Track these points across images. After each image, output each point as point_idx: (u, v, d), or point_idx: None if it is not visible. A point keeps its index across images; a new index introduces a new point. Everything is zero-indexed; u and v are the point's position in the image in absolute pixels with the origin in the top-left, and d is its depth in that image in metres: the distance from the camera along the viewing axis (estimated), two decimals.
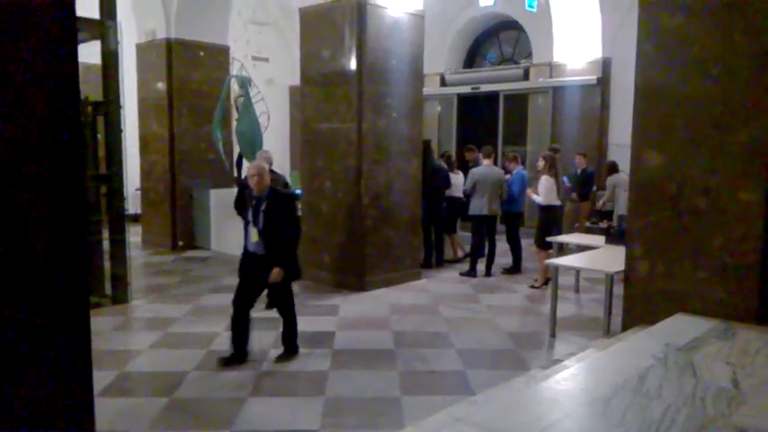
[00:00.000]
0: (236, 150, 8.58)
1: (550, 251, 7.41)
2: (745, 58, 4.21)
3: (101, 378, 4.37)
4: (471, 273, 8.26)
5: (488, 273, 8.31)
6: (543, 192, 7.55)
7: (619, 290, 5.20)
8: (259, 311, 5.36)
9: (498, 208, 8.30)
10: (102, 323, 5.91)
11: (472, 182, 8.19)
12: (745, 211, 4.26)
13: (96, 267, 6.72)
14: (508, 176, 8.58)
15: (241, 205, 5.43)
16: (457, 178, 8.99)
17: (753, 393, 2.87)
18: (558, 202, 7.78)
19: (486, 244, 8.46)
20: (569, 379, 3.23)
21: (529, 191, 8.01)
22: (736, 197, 4.30)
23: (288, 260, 4.85)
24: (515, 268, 8.50)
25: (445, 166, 8.95)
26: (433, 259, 8.88)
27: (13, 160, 1.96)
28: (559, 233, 8.07)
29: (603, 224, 7.58)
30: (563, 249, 7.76)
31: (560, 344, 5.53)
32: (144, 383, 4.65)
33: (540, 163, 7.71)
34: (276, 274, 4.74)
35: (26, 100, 1.99)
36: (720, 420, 2.55)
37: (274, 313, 5.25)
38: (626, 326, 4.85)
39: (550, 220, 7.69)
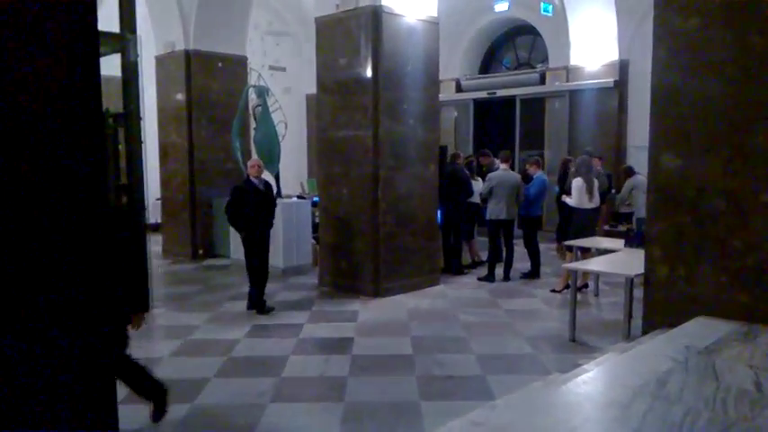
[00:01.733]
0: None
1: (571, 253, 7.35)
2: (761, 59, 4.18)
3: (123, 386, 4.43)
4: (489, 278, 8.24)
5: (507, 277, 8.28)
6: (575, 194, 7.53)
7: (639, 293, 5.17)
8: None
9: (515, 212, 8.28)
10: None
11: (489, 186, 8.18)
12: (766, 213, 4.22)
13: None
14: (532, 178, 8.55)
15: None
16: (476, 184, 8.97)
17: None
18: (590, 205, 7.70)
19: (504, 249, 8.44)
20: (589, 383, 3.22)
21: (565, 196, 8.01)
22: (757, 199, 4.26)
23: None
24: (534, 273, 8.47)
25: (467, 172, 8.91)
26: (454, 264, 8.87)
27: (40, 171, 2.02)
28: (591, 235, 7.97)
29: (622, 227, 7.53)
30: (589, 252, 7.67)
31: (579, 348, 5.50)
32: None
33: (572, 168, 7.70)
34: None
35: (52, 114, 2.05)
36: (742, 424, 2.52)
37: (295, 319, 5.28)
38: (646, 329, 4.81)
39: (582, 222, 7.62)
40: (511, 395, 3.67)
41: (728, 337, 3.69)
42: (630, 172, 8.97)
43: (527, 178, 8.75)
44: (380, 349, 5.50)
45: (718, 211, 4.32)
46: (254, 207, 6.54)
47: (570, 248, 7.40)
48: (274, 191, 8.80)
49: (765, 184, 4.31)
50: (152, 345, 5.93)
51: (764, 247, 4.08)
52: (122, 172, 7.06)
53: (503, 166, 8.35)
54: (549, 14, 11.87)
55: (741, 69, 4.28)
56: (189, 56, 9.89)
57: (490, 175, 8.39)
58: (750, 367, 3.19)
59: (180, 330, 6.10)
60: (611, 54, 11.17)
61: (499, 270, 8.31)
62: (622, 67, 11.10)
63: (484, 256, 9.07)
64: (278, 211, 8.47)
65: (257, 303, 6.68)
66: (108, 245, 5.70)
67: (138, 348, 5.62)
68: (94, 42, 2.22)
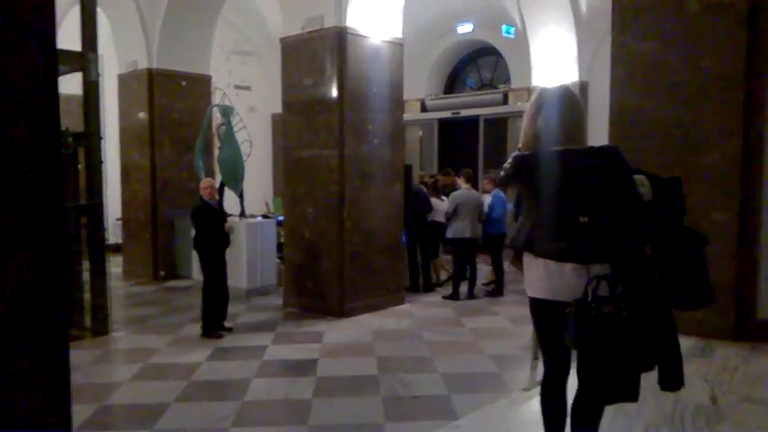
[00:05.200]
0: (219, 179, 8.59)
1: None
2: (714, 82, 4.34)
3: (80, 412, 4.30)
4: (454, 296, 8.28)
5: (471, 295, 8.34)
6: None
7: None
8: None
9: (479, 231, 8.36)
10: (81, 356, 5.82)
11: (454, 204, 8.26)
12: (720, 231, 4.35)
13: (76, 299, 6.64)
14: (487, 197, 8.65)
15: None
16: (440, 204, 9.04)
17: (731, 410, 2.90)
18: None
19: (468, 267, 8.51)
20: None
21: None
22: (711, 217, 4.39)
23: None
24: (498, 291, 8.54)
25: (425, 190, 9.01)
26: (420, 283, 8.90)
27: None
28: None
29: None
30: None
31: (543, 366, 5.53)
32: (124, 416, 4.58)
33: None
34: None
35: (5, 132, 2.00)
36: None
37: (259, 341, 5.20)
38: None
39: None
40: (474, 414, 3.69)
41: (686, 352, 3.77)
42: None
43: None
44: (346, 370, 5.45)
45: None
46: (214, 228, 6.48)
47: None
48: (238, 211, 8.77)
49: (718, 202, 4.46)
50: (111, 369, 5.78)
51: (719, 264, 4.20)
52: (82, 192, 6.95)
53: (465, 185, 8.43)
54: (511, 36, 12.12)
55: (695, 92, 4.44)
56: (152, 74, 9.78)
57: (454, 194, 8.47)
58: (706, 381, 3.27)
59: (140, 354, 5.96)
60: (572, 75, 11.43)
61: (464, 288, 8.36)
62: (582, 88, 11.36)
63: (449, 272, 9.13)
64: (242, 230, 8.42)
65: (208, 325, 6.54)
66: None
67: (97, 373, 5.49)
68: (53, 60, 2.18)
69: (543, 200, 2.43)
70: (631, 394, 2.35)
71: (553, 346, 2.56)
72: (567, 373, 2.60)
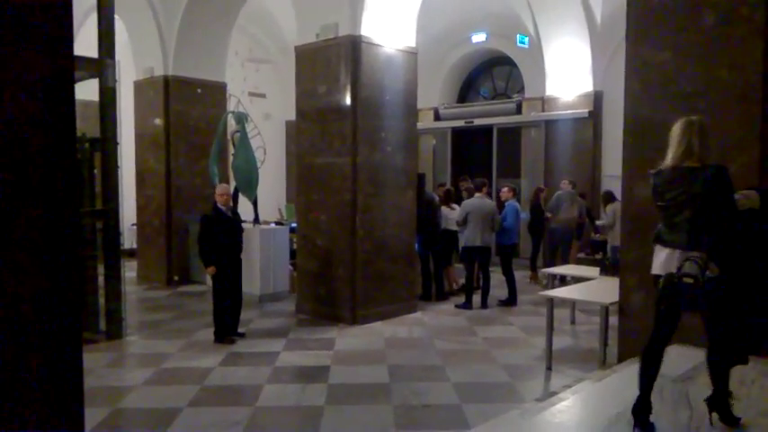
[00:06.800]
0: (233, 185, 8.64)
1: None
2: (730, 92, 4.31)
3: (93, 415, 4.33)
4: (467, 305, 8.25)
5: (484, 305, 8.30)
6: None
7: (615, 321, 5.21)
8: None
9: (491, 240, 8.33)
10: (95, 359, 5.86)
11: (464, 213, 8.24)
12: None
13: (91, 303, 6.70)
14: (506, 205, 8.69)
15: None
16: (452, 213, 9.02)
17: (749, 424, 2.86)
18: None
19: (481, 276, 8.48)
20: (564, 411, 3.23)
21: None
22: None
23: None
24: (511, 300, 8.50)
25: (437, 198, 9.00)
26: (433, 291, 8.88)
27: (8, 198, 1.99)
28: None
29: (598, 256, 7.61)
30: (564, 281, 7.73)
31: (556, 376, 5.50)
32: (137, 420, 4.60)
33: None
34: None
35: (22, 138, 2.03)
36: None
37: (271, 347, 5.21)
38: (621, 357, 4.85)
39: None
40: (486, 424, 3.66)
41: (702, 364, 3.73)
42: (611, 198, 8.96)
43: (502, 205, 8.88)
44: (357, 378, 5.45)
45: None
46: (226, 235, 6.51)
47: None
48: (252, 217, 8.80)
49: None
50: (124, 373, 5.82)
51: None
52: (98, 196, 7.02)
53: (477, 194, 8.41)
54: (526, 46, 12.12)
55: (711, 103, 4.40)
56: (168, 81, 9.88)
57: (465, 202, 8.46)
58: None
59: (153, 358, 5.99)
60: (586, 85, 11.41)
61: (477, 297, 8.32)
62: (597, 98, 11.33)
63: (459, 283, 9.10)
64: (256, 237, 8.47)
65: (221, 330, 6.56)
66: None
67: (110, 377, 5.53)
68: (70, 67, 2.21)
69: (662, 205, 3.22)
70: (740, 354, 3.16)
71: (661, 315, 3.13)
72: (666, 343, 3.16)
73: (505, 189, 9.23)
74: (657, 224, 3.28)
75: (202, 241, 6.48)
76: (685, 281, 2.93)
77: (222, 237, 6.48)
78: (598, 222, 9.68)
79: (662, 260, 3.18)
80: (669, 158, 3.20)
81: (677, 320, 3.13)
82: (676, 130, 3.22)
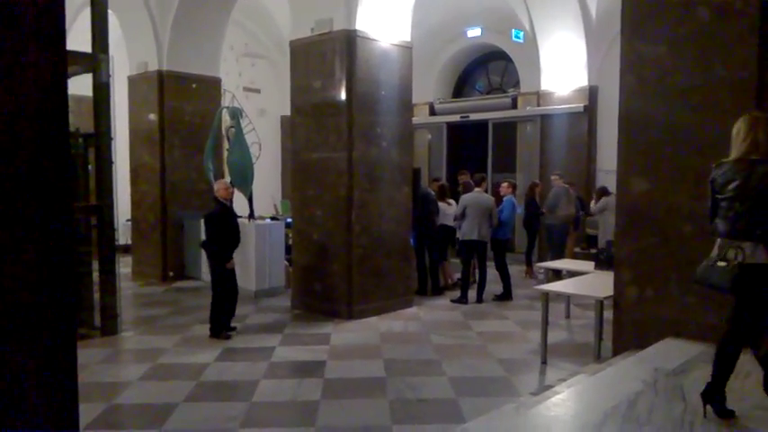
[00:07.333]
0: (228, 180, 8.62)
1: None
2: (725, 88, 4.31)
3: (88, 411, 4.32)
4: (462, 300, 8.26)
5: (479, 299, 8.31)
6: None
7: (609, 315, 5.23)
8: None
9: (488, 234, 8.34)
10: (90, 355, 5.85)
11: (462, 207, 8.25)
12: None
13: (86, 299, 6.68)
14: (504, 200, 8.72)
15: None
16: (449, 208, 9.03)
17: (743, 417, 2.88)
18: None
19: (477, 270, 8.49)
20: (560, 405, 3.24)
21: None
22: None
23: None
24: (506, 295, 8.51)
25: (433, 193, 9.00)
26: (429, 286, 8.89)
27: (0, 193, 1.98)
28: None
29: (594, 250, 7.63)
30: (559, 275, 7.74)
31: (551, 370, 5.52)
32: (132, 416, 4.59)
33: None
34: None
35: (15, 132, 2.02)
36: None
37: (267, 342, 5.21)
38: (616, 351, 4.86)
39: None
40: (482, 418, 3.67)
41: (697, 358, 3.75)
42: (605, 192, 9.06)
43: (501, 200, 8.90)
44: (353, 372, 5.45)
45: (686, 234, 4.41)
46: (236, 228, 6.59)
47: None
48: (247, 213, 8.79)
49: None
50: (119, 368, 5.81)
51: None
52: (92, 192, 6.99)
53: (476, 189, 8.43)
54: (521, 41, 12.12)
55: (706, 98, 4.41)
56: (162, 76, 9.84)
57: (463, 196, 8.47)
58: None
59: (148, 354, 5.98)
60: (581, 80, 11.41)
61: (472, 292, 8.34)
62: (592, 93, 11.35)
63: (455, 278, 9.12)
64: (251, 232, 8.45)
65: (217, 326, 6.54)
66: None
67: (106, 372, 5.52)
68: (63, 61, 2.19)
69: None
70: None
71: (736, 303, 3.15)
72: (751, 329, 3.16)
73: (505, 184, 9.24)
74: (715, 219, 3.27)
75: (214, 241, 6.42)
76: (719, 264, 3.05)
77: (235, 230, 6.54)
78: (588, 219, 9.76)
79: (715, 253, 3.20)
80: (733, 152, 3.19)
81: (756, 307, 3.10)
82: (742, 125, 3.20)
